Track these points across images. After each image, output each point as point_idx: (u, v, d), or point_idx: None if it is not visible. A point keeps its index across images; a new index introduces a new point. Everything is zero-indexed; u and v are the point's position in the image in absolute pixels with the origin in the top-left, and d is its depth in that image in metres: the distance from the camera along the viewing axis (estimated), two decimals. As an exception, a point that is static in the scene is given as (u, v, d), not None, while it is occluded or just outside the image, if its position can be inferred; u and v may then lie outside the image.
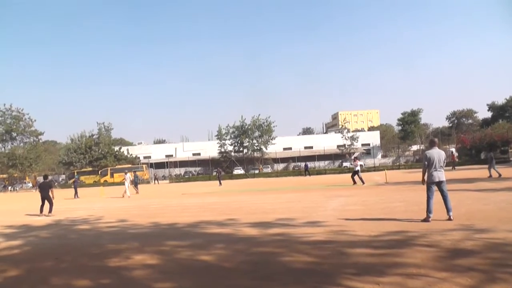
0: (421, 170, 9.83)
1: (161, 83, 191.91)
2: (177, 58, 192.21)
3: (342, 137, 71.38)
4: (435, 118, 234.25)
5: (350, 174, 26.80)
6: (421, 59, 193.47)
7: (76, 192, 29.79)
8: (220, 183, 36.10)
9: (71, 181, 32.13)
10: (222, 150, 70.77)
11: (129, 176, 27.39)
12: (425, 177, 9.39)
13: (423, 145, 77.65)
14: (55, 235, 11.15)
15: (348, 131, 77.52)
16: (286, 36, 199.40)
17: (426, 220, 9.08)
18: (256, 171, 63.67)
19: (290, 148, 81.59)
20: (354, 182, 24.61)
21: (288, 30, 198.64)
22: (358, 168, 25.35)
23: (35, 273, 6.72)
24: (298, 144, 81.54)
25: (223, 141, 70.42)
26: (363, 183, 23.91)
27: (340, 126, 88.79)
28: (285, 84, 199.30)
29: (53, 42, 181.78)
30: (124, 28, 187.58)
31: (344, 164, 67.99)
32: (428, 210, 9.14)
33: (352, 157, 27.94)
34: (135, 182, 31.47)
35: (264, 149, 70.18)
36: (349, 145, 71.12)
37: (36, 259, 7.86)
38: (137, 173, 56.87)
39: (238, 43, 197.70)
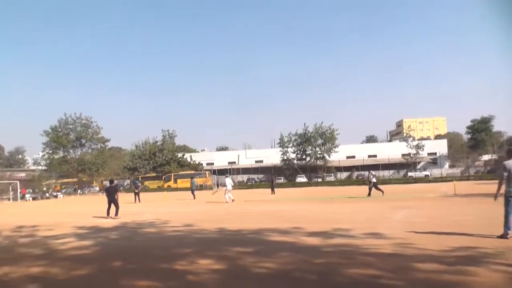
0: (495, 181, 9.17)
1: (225, 91, 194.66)
2: (242, 65, 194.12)
3: (407, 146, 68.91)
4: (511, 125, 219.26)
5: (416, 184, 26.03)
6: (491, 62, 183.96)
7: (137, 196, 30.58)
8: (273, 192, 35.63)
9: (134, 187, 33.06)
10: (285, 157, 70.69)
11: (230, 180, 26.20)
12: (498, 192, 8.76)
13: (495, 155, 73.67)
14: (123, 237, 11.62)
15: (413, 139, 74.97)
16: (344, 40, 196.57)
17: (503, 236, 8.49)
18: (319, 180, 62.97)
19: (354, 157, 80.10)
20: (369, 194, 24.92)
21: (350, 33, 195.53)
22: (374, 179, 25.64)
23: (104, 273, 7.03)
24: (361, 153, 79.92)
25: (286, 149, 70.29)
26: (369, 195, 24.51)
27: (404, 134, 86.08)
28: (348, 90, 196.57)
29: (119, 51, 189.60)
30: (186, 33, 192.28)
31: (410, 174, 65.97)
32: (507, 226, 8.51)
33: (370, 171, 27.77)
34: (192, 189, 32.54)
35: (327, 157, 69.28)
36: (414, 154, 68.66)
37: (105, 259, 8.22)
38: (199, 179, 58.47)
39: (304, 49, 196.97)
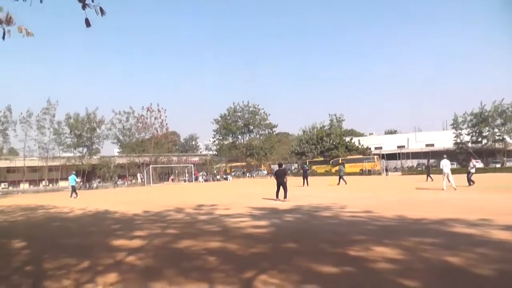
0: None
1: (393, 73, 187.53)
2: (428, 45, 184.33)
3: None
4: None
5: None
6: None
7: (305, 180, 31.62)
8: (429, 178, 32.80)
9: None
10: (458, 140, 65.75)
11: (446, 162, 22.52)
12: None
13: None
14: (297, 219, 11.97)
15: None
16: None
17: None
18: (497, 165, 56.97)
19: (542, 137, 70.50)
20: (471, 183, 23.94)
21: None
22: (473, 170, 24.52)
23: (278, 252, 7.33)
24: (552, 132, 69.70)
25: (459, 131, 65.28)
26: (470, 184, 23.64)
27: None
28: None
29: (287, 39, 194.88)
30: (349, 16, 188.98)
31: None
32: None
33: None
34: (340, 175, 32.72)
35: (507, 139, 62.42)
36: None
37: (279, 240, 8.55)
38: (368, 164, 57.63)
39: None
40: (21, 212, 18.93)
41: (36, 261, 7.39)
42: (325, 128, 74.27)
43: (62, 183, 58.18)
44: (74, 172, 32.06)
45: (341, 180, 32.06)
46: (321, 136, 71.17)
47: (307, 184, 30.86)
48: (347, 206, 15.05)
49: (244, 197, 21.82)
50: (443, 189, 21.59)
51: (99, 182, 54.67)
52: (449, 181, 21.94)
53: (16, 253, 8.36)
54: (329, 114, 77.24)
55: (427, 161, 41.92)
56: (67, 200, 26.01)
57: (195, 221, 12.18)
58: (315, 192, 23.82)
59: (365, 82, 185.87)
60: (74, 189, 29.60)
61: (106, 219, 14.09)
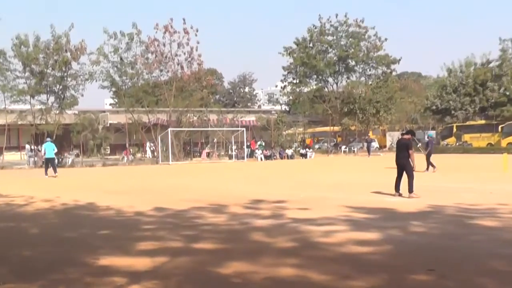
0: None
1: None
2: None
3: None
4: None
5: None
6: None
7: (429, 161, 30.98)
8: None
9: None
10: None
11: None
12: None
13: None
14: (434, 230, 11.88)
15: None
16: None
17: None
18: None
19: None
20: None
21: None
22: None
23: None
24: None
25: None
26: None
27: None
28: None
29: None
30: None
31: None
32: None
33: None
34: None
35: None
36: None
37: (402, 266, 8.49)
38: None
39: None
40: None
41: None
42: (491, 65, 71.30)
43: (9, 155, 58.78)
44: (49, 139, 32.97)
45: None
46: (483, 80, 68.35)
47: (432, 166, 30.62)
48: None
49: (337, 189, 22.02)
50: None
51: (77, 156, 54.55)
52: None
53: None
54: (500, 39, 73.15)
55: None
56: (23, 184, 26.94)
57: (249, 228, 12.39)
58: (459, 183, 23.78)
59: None
60: (52, 164, 30.66)
61: (89, 220, 14.59)
